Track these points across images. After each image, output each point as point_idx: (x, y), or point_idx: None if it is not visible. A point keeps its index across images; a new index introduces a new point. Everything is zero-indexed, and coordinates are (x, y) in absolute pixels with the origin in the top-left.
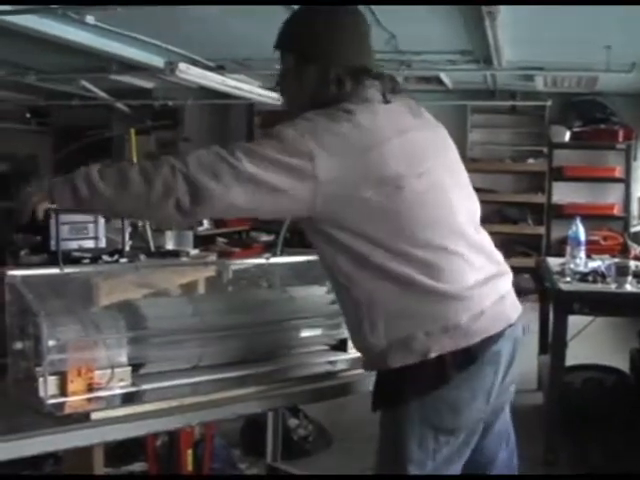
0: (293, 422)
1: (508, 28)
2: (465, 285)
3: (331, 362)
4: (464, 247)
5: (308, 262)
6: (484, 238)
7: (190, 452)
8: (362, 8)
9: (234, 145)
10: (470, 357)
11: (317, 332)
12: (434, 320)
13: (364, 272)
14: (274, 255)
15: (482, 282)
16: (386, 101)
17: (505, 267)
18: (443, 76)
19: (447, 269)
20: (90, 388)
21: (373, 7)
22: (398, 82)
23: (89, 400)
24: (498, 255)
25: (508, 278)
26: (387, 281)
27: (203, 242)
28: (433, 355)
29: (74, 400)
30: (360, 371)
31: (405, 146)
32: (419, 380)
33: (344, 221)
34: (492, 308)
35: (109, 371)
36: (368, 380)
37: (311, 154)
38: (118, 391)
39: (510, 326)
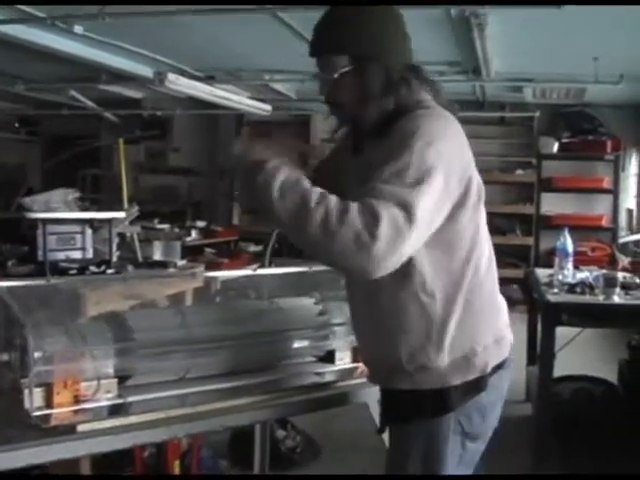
0: (281, 433)
1: (497, 39)
2: (500, 296)
3: (319, 374)
4: (490, 262)
5: (297, 273)
6: None
7: (178, 463)
8: None
9: (407, 204)
10: (502, 363)
11: (305, 344)
12: (489, 333)
13: (450, 287)
14: (262, 266)
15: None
16: (453, 110)
17: None
18: None
19: (495, 280)
20: (76, 400)
21: None
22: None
23: (75, 412)
24: None
25: None
26: (462, 294)
27: (191, 252)
28: (489, 369)
29: (60, 412)
30: (348, 382)
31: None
32: (462, 391)
33: (446, 232)
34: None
35: (95, 383)
36: (356, 391)
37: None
38: (104, 403)
39: None
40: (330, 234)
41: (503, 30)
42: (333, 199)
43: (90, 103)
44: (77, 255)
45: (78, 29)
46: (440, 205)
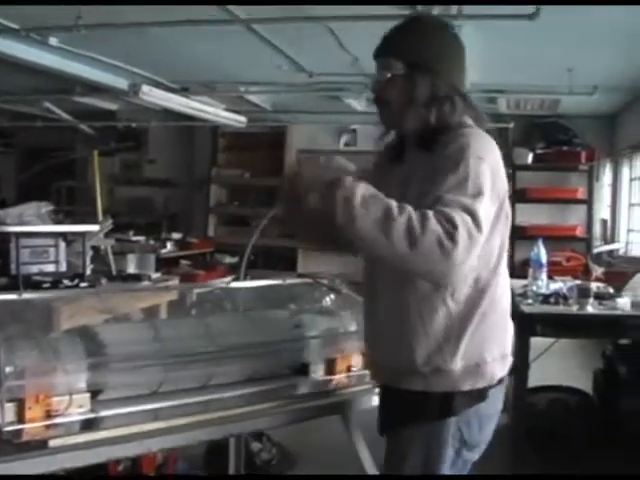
0: (256, 446)
1: (471, 50)
2: (508, 315)
3: (293, 386)
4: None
5: (272, 286)
6: None
7: (153, 476)
8: (326, 31)
9: (473, 212)
10: (502, 378)
11: (279, 356)
12: (499, 347)
13: (475, 296)
14: (237, 279)
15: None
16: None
17: None
18: None
19: (509, 301)
20: (48, 415)
21: (336, 30)
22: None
23: (47, 427)
24: None
25: None
26: (483, 304)
27: (167, 264)
28: (495, 381)
29: (32, 427)
30: (322, 395)
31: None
32: (467, 398)
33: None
34: None
35: (68, 397)
36: (330, 404)
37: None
38: (77, 417)
39: None
40: (415, 241)
41: (477, 41)
42: (411, 208)
43: (65, 115)
44: (50, 268)
45: (53, 41)
46: (491, 215)
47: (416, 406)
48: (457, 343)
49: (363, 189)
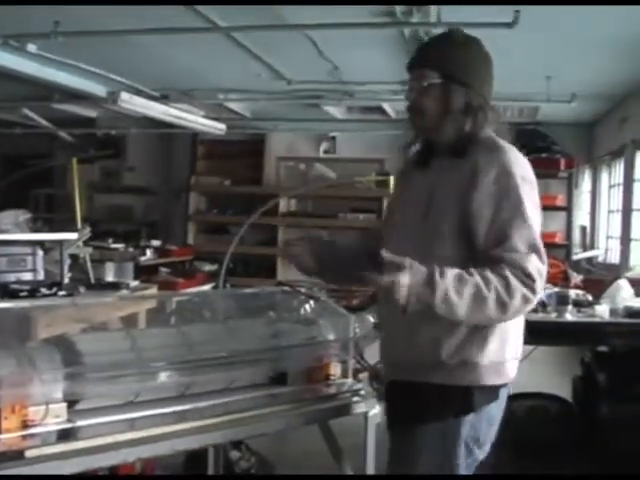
0: (235, 454)
1: None
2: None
3: (272, 395)
4: None
5: (251, 294)
6: None
7: None
8: (305, 39)
9: (536, 246)
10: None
11: (258, 365)
12: (516, 346)
13: None
14: (216, 287)
15: None
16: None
17: None
18: (386, 106)
19: None
20: (25, 425)
21: (315, 38)
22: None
23: (23, 437)
24: None
25: None
26: None
27: (146, 272)
28: (509, 380)
29: (8, 437)
30: (300, 404)
31: None
32: (485, 394)
33: None
34: None
35: (44, 407)
36: (308, 413)
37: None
38: (53, 427)
39: None
40: (506, 308)
41: None
42: (491, 276)
43: (44, 122)
44: (28, 277)
45: (31, 48)
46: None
47: (436, 401)
48: (485, 337)
49: (451, 279)
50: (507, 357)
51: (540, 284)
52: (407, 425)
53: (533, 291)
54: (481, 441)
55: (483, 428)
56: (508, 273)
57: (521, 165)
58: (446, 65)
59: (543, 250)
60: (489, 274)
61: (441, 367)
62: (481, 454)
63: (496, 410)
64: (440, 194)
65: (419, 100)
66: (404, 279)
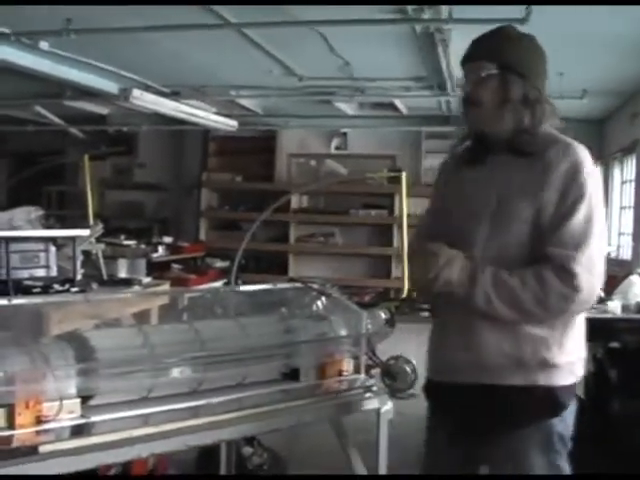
0: (247, 450)
1: (461, 55)
2: None
3: (284, 391)
4: None
5: (263, 290)
6: None
7: None
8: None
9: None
10: None
11: (270, 361)
12: (583, 345)
13: None
14: (228, 283)
15: None
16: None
17: None
18: (397, 102)
19: None
20: (38, 420)
21: (327, 34)
22: None
23: (37, 433)
24: None
25: None
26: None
27: (158, 268)
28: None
29: (22, 433)
30: (312, 400)
31: None
32: (570, 391)
33: None
34: None
35: (58, 403)
36: (321, 409)
37: None
38: (67, 423)
39: None
40: (543, 305)
41: (467, 46)
42: (529, 275)
43: (56, 119)
44: (41, 273)
45: (43, 45)
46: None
47: (524, 402)
48: (563, 336)
49: (490, 277)
50: (581, 355)
51: (585, 280)
52: (508, 429)
53: (573, 288)
54: (567, 438)
55: (569, 425)
56: (547, 272)
57: (589, 162)
58: (503, 56)
59: (598, 246)
60: (527, 273)
61: (524, 368)
62: (566, 450)
63: (575, 407)
64: (510, 194)
65: (476, 92)
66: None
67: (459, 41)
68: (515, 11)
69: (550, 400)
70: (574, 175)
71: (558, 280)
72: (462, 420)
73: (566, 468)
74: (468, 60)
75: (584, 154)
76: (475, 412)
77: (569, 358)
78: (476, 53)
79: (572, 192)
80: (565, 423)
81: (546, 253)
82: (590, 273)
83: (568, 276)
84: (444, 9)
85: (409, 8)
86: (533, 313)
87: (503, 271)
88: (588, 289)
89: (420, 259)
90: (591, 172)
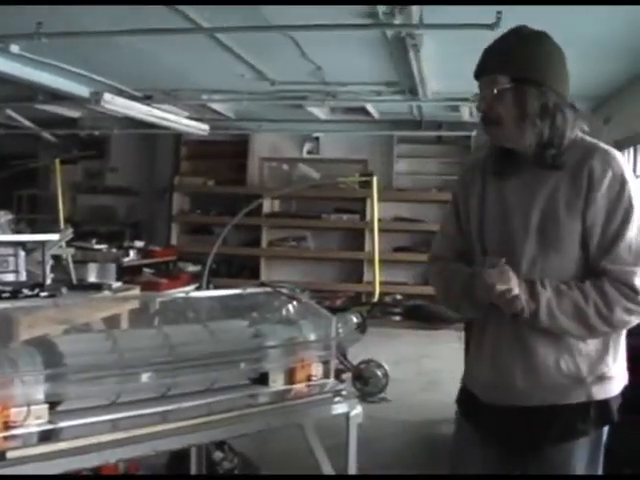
0: (218, 455)
1: (433, 60)
2: None
3: (252, 396)
4: None
5: (234, 295)
6: None
7: None
8: (288, 40)
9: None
10: None
11: (239, 366)
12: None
13: None
14: (200, 288)
15: None
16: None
17: None
18: (369, 107)
19: None
20: (6, 426)
21: (299, 38)
22: None
23: (5, 438)
24: None
25: None
26: None
27: (129, 272)
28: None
29: None
30: (282, 404)
31: None
32: (617, 401)
33: None
34: None
35: (25, 408)
36: (290, 413)
37: None
38: (35, 429)
39: None
40: (607, 320)
41: (439, 50)
42: (589, 289)
43: (27, 123)
44: (10, 278)
45: (14, 48)
46: None
47: (581, 418)
48: (616, 348)
49: (550, 292)
50: (617, 372)
51: None
52: (552, 444)
53: (638, 303)
54: (604, 449)
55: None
56: (607, 286)
57: (629, 170)
58: (516, 67)
59: None
60: (587, 287)
61: (581, 385)
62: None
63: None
64: (555, 210)
65: (492, 109)
66: (516, 288)
67: (430, 46)
68: (486, 16)
69: (606, 411)
70: (620, 189)
71: (620, 295)
72: (513, 437)
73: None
74: (481, 74)
75: (622, 161)
76: (531, 430)
77: (621, 368)
78: (488, 66)
79: (620, 207)
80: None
81: (603, 269)
82: None
83: (631, 292)
84: (415, 14)
85: (380, 12)
86: (596, 327)
87: (562, 284)
88: None
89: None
90: (631, 180)
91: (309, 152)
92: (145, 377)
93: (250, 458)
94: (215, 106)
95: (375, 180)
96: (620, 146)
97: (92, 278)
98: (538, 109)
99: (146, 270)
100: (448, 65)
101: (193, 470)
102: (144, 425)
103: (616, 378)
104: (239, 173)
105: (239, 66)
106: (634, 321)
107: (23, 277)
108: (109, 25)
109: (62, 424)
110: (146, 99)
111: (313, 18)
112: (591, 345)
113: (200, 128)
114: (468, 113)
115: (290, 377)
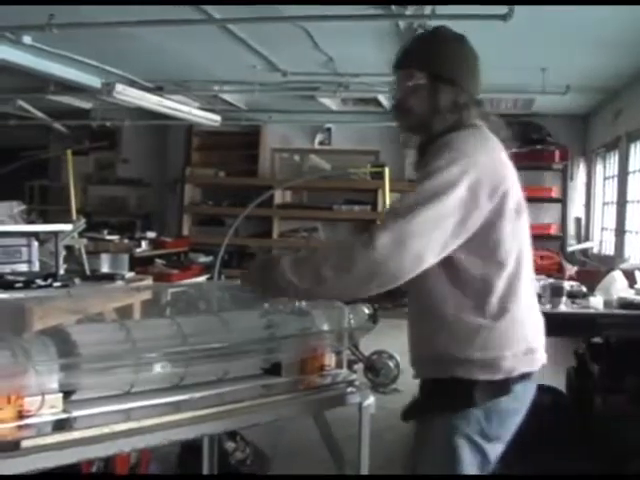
0: (230, 446)
1: None
2: (536, 311)
3: (265, 386)
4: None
5: None
6: None
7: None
8: (300, 31)
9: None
10: (529, 374)
11: (252, 356)
12: (522, 343)
13: (483, 289)
14: (211, 278)
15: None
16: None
17: None
18: (381, 98)
19: (533, 297)
20: (20, 415)
21: (311, 30)
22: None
23: (19, 428)
24: None
25: None
26: (496, 299)
27: (141, 263)
28: (516, 374)
29: (3, 428)
30: (294, 394)
31: (514, 177)
32: (487, 389)
33: (483, 240)
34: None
35: (40, 398)
36: (303, 403)
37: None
38: (49, 418)
39: None
40: (339, 266)
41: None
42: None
43: (39, 114)
44: (23, 268)
45: (26, 39)
46: (464, 214)
47: (439, 394)
48: (471, 335)
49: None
50: (507, 353)
51: (384, 243)
52: (418, 415)
53: (370, 247)
54: (491, 436)
55: (493, 423)
56: (351, 238)
57: (460, 150)
58: (432, 64)
59: (419, 221)
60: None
61: (436, 362)
62: (494, 447)
63: (508, 404)
64: None
65: (406, 100)
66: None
67: None
68: (498, 7)
69: (460, 394)
70: (435, 156)
71: (356, 239)
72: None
73: (465, 464)
74: (398, 67)
75: (459, 141)
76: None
77: (485, 354)
78: (406, 61)
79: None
80: (483, 418)
81: None
82: (389, 234)
83: (368, 239)
84: (427, 5)
85: (392, 6)
86: (332, 278)
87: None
88: (386, 252)
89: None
90: (457, 157)
91: (320, 143)
92: (158, 367)
93: (262, 448)
94: (226, 97)
95: (387, 171)
96: (632, 138)
97: (105, 269)
98: (450, 105)
99: (158, 261)
100: None
101: (205, 460)
102: (157, 415)
103: (472, 362)
104: (250, 164)
105: (251, 57)
106: (371, 268)
107: (36, 267)
108: (121, 16)
109: (76, 413)
110: (157, 90)
111: (325, 9)
112: (447, 329)
113: (211, 119)
114: None
115: (302, 367)
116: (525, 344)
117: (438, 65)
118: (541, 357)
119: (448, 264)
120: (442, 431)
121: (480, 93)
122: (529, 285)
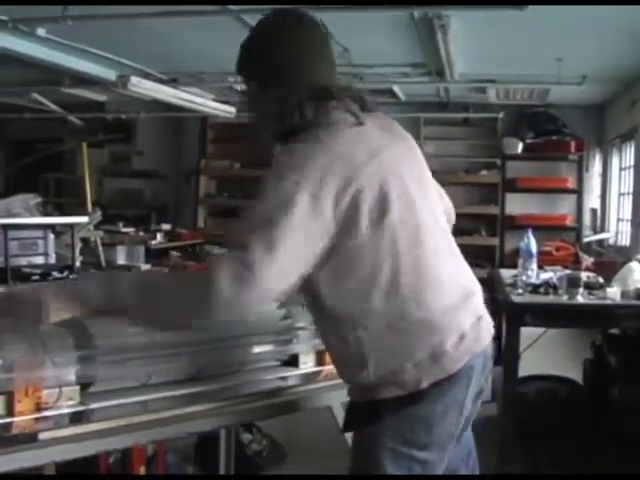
0: (247, 437)
1: (460, 41)
2: (446, 310)
3: (283, 378)
4: (441, 270)
5: None
6: (457, 254)
7: (143, 469)
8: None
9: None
10: (442, 379)
11: (268, 348)
12: (422, 351)
13: (357, 308)
14: None
15: (461, 304)
16: (359, 122)
17: (477, 284)
18: (396, 89)
19: (429, 296)
20: (38, 408)
21: (325, 20)
22: (365, 98)
23: (37, 420)
24: (470, 271)
25: (481, 296)
26: (375, 314)
27: (157, 255)
28: (425, 385)
29: (21, 420)
30: (312, 386)
31: (381, 168)
32: (395, 397)
33: (337, 255)
34: (472, 330)
35: (57, 390)
36: (320, 395)
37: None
38: (66, 410)
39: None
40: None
41: (466, 31)
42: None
43: (53, 106)
44: (39, 260)
45: (41, 32)
46: (307, 233)
47: (350, 415)
48: (361, 357)
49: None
50: (407, 366)
51: (222, 284)
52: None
53: (206, 296)
54: (420, 444)
55: (419, 431)
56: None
57: (289, 164)
58: (253, 71)
59: (257, 256)
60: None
61: (350, 386)
62: (434, 454)
63: (434, 409)
64: None
65: (248, 109)
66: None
67: (458, 27)
68: None
69: (366, 411)
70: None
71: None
72: None
73: (388, 470)
74: (237, 72)
75: (289, 154)
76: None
77: (382, 373)
78: (237, 66)
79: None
80: (403, 428)
81: None
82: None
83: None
84: None
85: None
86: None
87: None
88: (222, 291)
89: None
90: (284, 173)
91: None
92: (176, 359)
93: (279, 440)
94: (241, 88)
95: None
96: None
97: (121, 261)
98: (278, 113)
99: (173, 253)
100: (475, 46)
101: (222, 451)
102: (174, 407)
103: (371, 384)
104: (265, 156)
105: None
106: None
107: (52, 260)
108: (135, 8)
109: (93, 405)
110: (172, 82)
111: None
112: (337, 353)
113: (226, 110)
114: (495, 95)
115: (320, 359)
116: (427, 351)
117: (257, 70)
118: (456, 354)
119: (311, 288)
120: (360, 444)
121: (335, 73)
122: (417, 288)
